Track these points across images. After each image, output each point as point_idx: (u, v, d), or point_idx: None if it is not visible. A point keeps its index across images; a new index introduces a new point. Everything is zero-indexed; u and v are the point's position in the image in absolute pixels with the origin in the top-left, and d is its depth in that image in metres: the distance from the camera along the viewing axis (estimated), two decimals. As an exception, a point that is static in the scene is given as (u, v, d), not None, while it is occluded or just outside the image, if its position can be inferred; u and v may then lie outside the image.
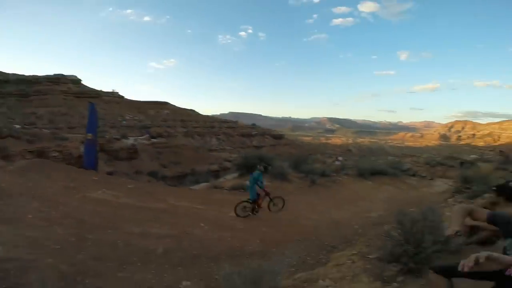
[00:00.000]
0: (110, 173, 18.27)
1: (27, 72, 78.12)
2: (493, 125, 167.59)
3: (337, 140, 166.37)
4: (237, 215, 6.62)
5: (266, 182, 10.81)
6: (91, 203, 6.01)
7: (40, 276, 2.84)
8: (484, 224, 2.84)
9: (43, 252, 3.58)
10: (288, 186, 10.83)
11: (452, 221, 1.98)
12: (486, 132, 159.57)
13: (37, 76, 65.74)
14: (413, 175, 13.86)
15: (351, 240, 5.37)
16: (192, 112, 80.00)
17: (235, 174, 13.23)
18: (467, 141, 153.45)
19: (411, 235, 2.93)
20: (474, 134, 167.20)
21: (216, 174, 27.43)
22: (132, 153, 30.16)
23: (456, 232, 1.91)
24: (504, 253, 1.55)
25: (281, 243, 5.24)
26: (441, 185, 11.48)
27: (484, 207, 3.05)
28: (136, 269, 3.68)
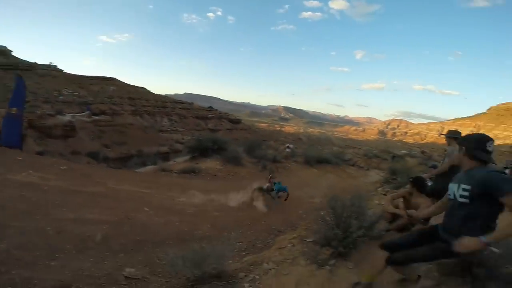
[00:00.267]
0: (40, 153, 16.07)
1: None
2: (422, 126, 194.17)
3: (290, 128, 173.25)
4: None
5: (220, 166, 10.91)
6: (14, 187, 5.20)
7: None
8: (403, 212, 3.36)
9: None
10: (241, 170, 11.00)
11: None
12: (416, 131, 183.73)
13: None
14: (353, 165, 15.31)
15: (295, 224, 5.71)
16: (142, 90, 73.93)
17: (186, 157, 12.80)
18: (400, 137, 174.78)
19: (341, 220, 3.10)
20: (406, 132, 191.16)
21: (165, 157, 26.23)
22: (69, 131, 26.80)
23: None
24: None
25: (232, 227, 5.34)
26: (375, 175, 12.93)
27: (403, 196, 3.58)
28: (71, 257, 3.39)
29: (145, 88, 76.01)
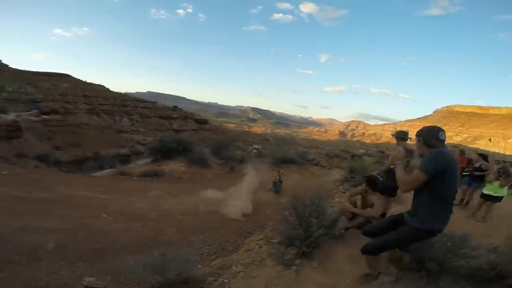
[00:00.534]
0: (-26, 155, 14.03)
1: None
2: (378, 127, 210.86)
3: (257, 129, 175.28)
4: None
5: (185, 168, 10.57)
6: None
7: None
8: (361, 211, 3.62)
9: None
10: (208, 172, 10.80)
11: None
12: (372, 132, 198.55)
13: None
14: (316, 165, 15.95)
15: (264, 225, 5.68)
16: (100, 88, 68.61)
17: (148, 160, 12.08)
18: (358, 138, 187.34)
19: (303, 220, 3.19)
20: (364, 133, 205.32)
21: (125, 159, 24.69)
22: (13, 131, 23.70)
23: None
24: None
25: (199, 230, 5.22)
26: (336, 174, 13.59)
27: (360, 193, 3.87)
28: (20, 268, 3.06)
29: (103, 86, 70.75)
